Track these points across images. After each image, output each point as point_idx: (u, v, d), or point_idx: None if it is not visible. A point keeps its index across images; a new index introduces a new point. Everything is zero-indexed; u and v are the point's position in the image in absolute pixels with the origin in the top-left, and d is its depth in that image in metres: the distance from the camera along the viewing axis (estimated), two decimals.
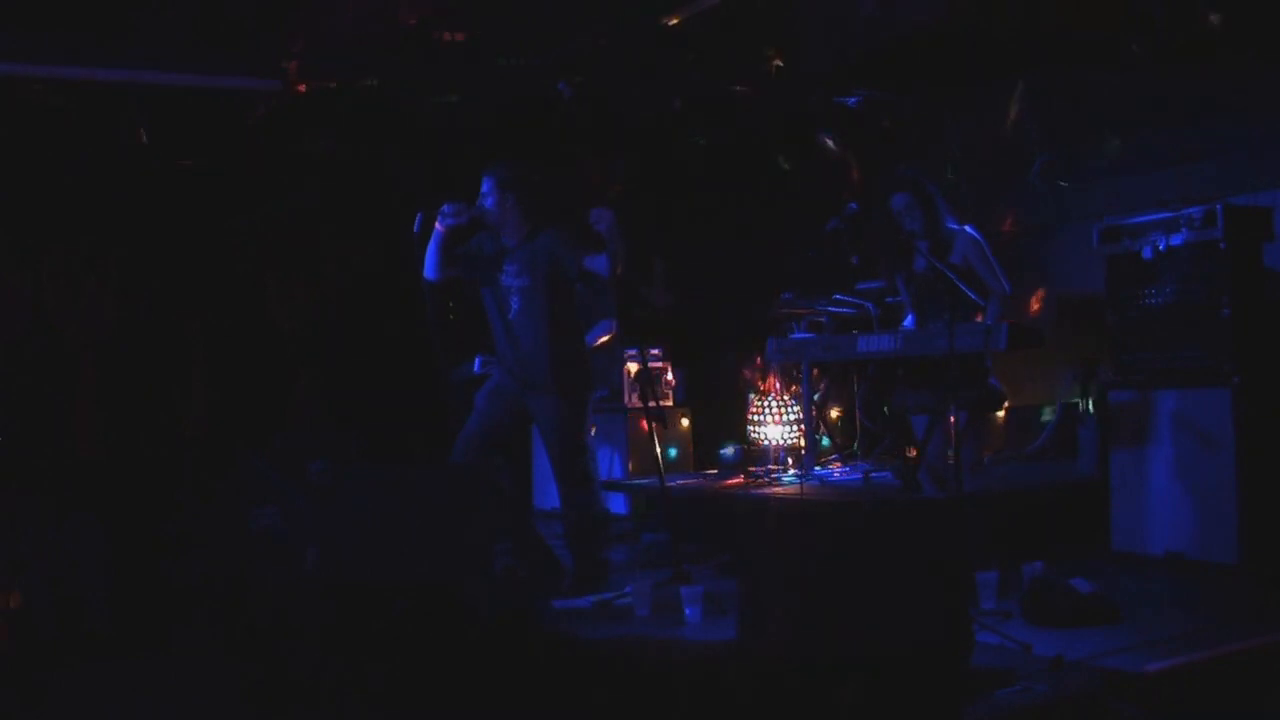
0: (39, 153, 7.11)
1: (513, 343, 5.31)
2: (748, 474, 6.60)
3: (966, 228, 5.61)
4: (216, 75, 6.70)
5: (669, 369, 7.61)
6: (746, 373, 7.39)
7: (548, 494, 6.92)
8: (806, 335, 6.70)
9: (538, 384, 5.27)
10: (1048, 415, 7.10)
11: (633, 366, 7.32)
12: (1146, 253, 5.22)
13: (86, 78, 6.58)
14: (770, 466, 6.61)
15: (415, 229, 5.23)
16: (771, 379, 7.08)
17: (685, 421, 7.67)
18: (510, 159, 5.43)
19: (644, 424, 6.06)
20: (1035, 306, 7.16)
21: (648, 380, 6.27)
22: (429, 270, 5.32)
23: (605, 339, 7.08)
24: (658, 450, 5.65)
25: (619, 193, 8.23)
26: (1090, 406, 6.16)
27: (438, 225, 5.22)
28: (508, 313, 5.30)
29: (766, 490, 6.11)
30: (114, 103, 7.01)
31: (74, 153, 7.19)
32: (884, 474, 6.09)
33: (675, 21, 6.37)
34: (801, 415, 6.57)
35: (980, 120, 7.46)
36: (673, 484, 6.33)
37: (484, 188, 5.28)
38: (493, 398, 5.40)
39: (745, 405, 7.16)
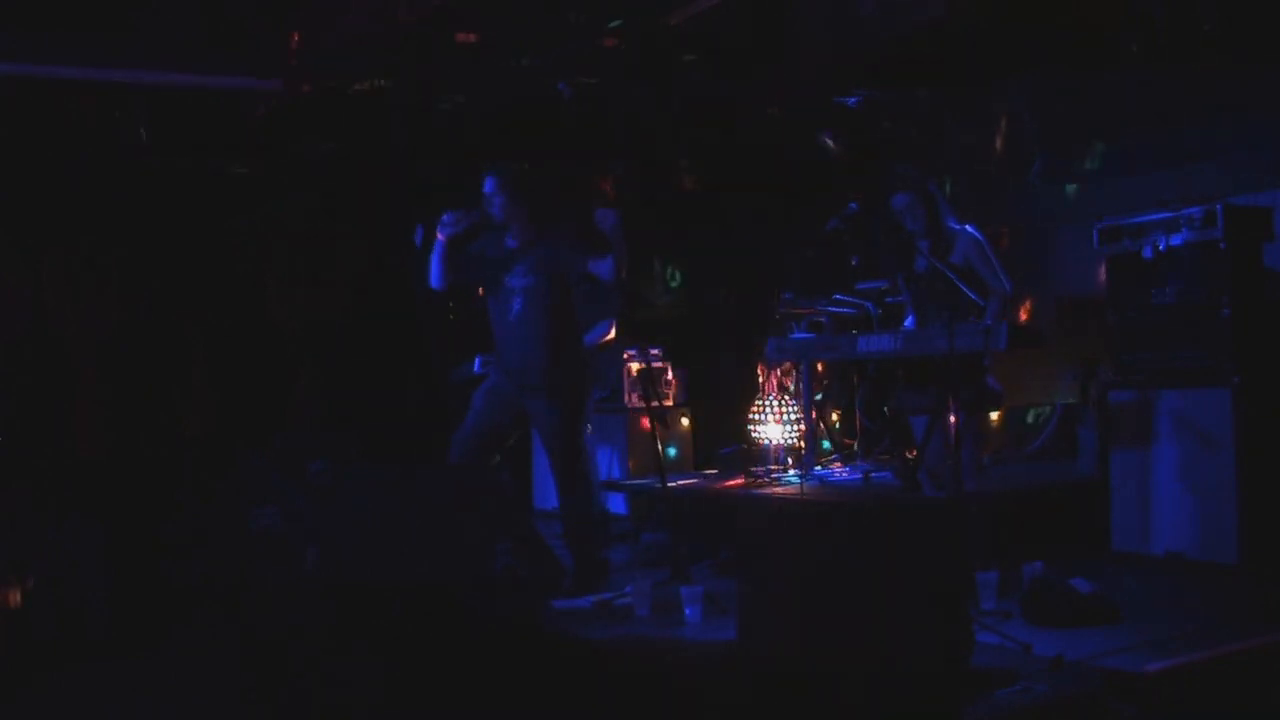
0: (39, 153, 7.11)
1: (514, 344, 5.30)
2: (748, 474, 6.59)
3: (967, 227, 5.61)
4: (216, 75, 6.70)
5: (669, 369, 7.60)
6: (758, 369, 7.38)
7: (548, 494, 6.91)
8: (806, 335, 6.69)
9: (537, 385, 5.27)
10: (1031, 418, 7.09)
11: (634, 366, 7.32)
12: (1146, 253, 5.22)
13: (86, 78, 6.58)
14: (770, 466, 6.60)
15: (417, 243, 5.23)
16: (772, 379, 7.08)
17: (685, 421, 7.67)
18: (514, 159, 5.43)
19: (645, 423, 6.06)
20: (1023, 316, 7.14)
21: (650, 380, 6.26)
22: (434, 280, 5.32)
23: (605, 339, 7.08)
24: (659, 449, 5.65)
25: (619, 193, 8.24)
26: (1090, 406, 6.16)
27: (439, 235, 5.21)
28: (509, 314, 5.30)
29: (766, 490, 6.11)
30: (114, 103, 7.01)
31: (74, 153, 7.19)
32: (884, 474, 6.08)
33: (675, 21, 6.37)
34: (802, 415, 6.57)
35: (980, 120, 7.46)
36: (673, 484, 6.33)
37: (487, 188, 5.27)
38: (489, 397, 5.40)
39: (746, 405, 7.15)
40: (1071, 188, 7.07)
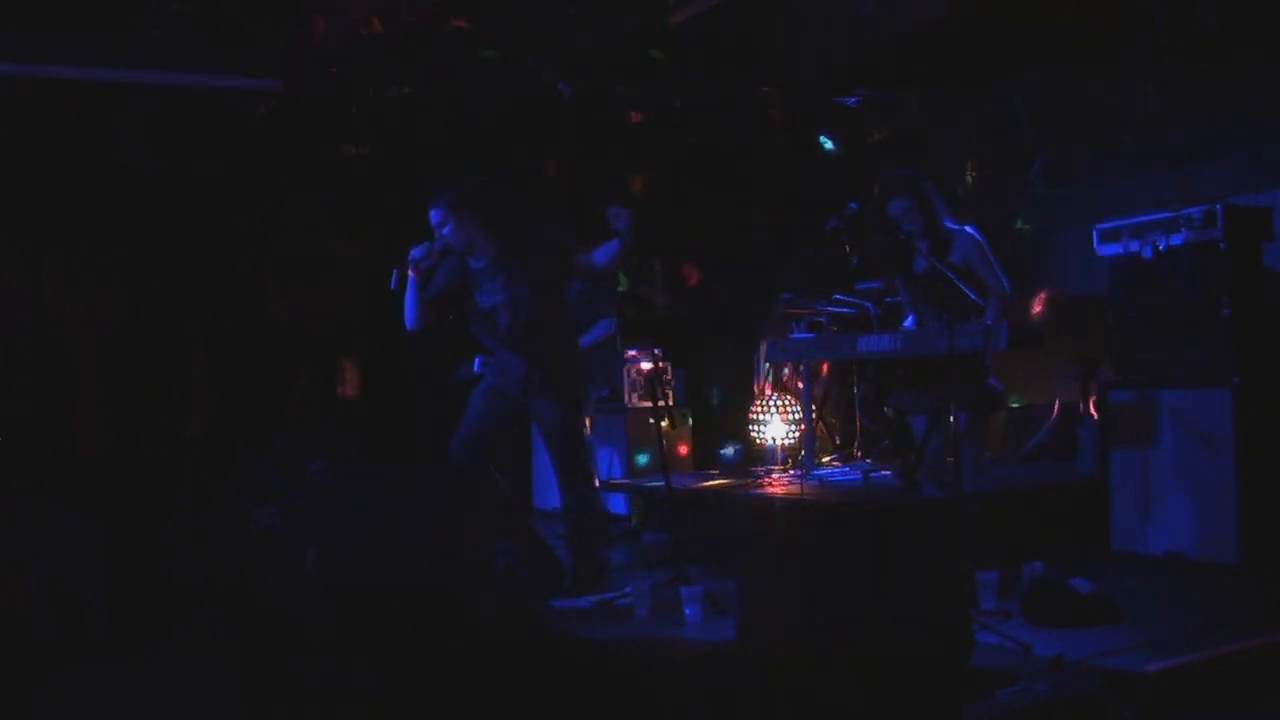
0: (39, 153, 7.11)
1: (509, 356, 5.30)
2: (748, 474, 6.60)
3: (966, 228, 5.61)
4: (216, 75, 6.70)
5: (669, 369, 7.61)
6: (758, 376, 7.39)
7: (548, 494, 6.92)
8: (806, 335, 6.70)
9: (537, 389, 5.26)
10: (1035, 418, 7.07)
11: (645, 365, 7.32)
12: (1146, 253, 5.22)
13: (86, 78, 6.58)
14: (770, 466, 6.61)
15: (393, 285, 5.17)
16: (771, 379, 7.09)
17: (683, 420, 7.67)
18: (451, 182, 5.35)
19: (652, 421, 6.05)
20: (1037, 309, 7.16)
21: (657, 380, 6.25)
22: (409, 321, 5.26)
23: (605, 338, 7.08)
24: (664, 450, 5.64)
25: (620, 192, 8.24)
26: (1090, 406, 6.16)
27: (411, 273, 5.17)
28: (498, 330, 5.28)
29: (766, 490, 6.11)
30: (114, 103, 7.01)
31: (74, 153, 7.19)
32: (884, 474, 6.09)
33: (676, 21, 6.37)
34: (802, 415, 6.57)
35: (980, 120, 7.47)
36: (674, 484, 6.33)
37: (434, 219, 5.17)
38: (487, 397, 5.39)
39: (746, 405, 7.16)
40: (1071, 188, 7.07)
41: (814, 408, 6.61)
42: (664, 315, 8.75)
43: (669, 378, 7.58)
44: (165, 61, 6.53)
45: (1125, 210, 5.48)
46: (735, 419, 7.51)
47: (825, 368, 7.07)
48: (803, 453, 6.48)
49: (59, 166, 7.20)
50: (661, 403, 5.93)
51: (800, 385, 6.59)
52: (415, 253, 5.15)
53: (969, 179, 7.51)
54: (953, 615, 3.59)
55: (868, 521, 3.82)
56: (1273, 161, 6.00)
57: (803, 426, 6.53)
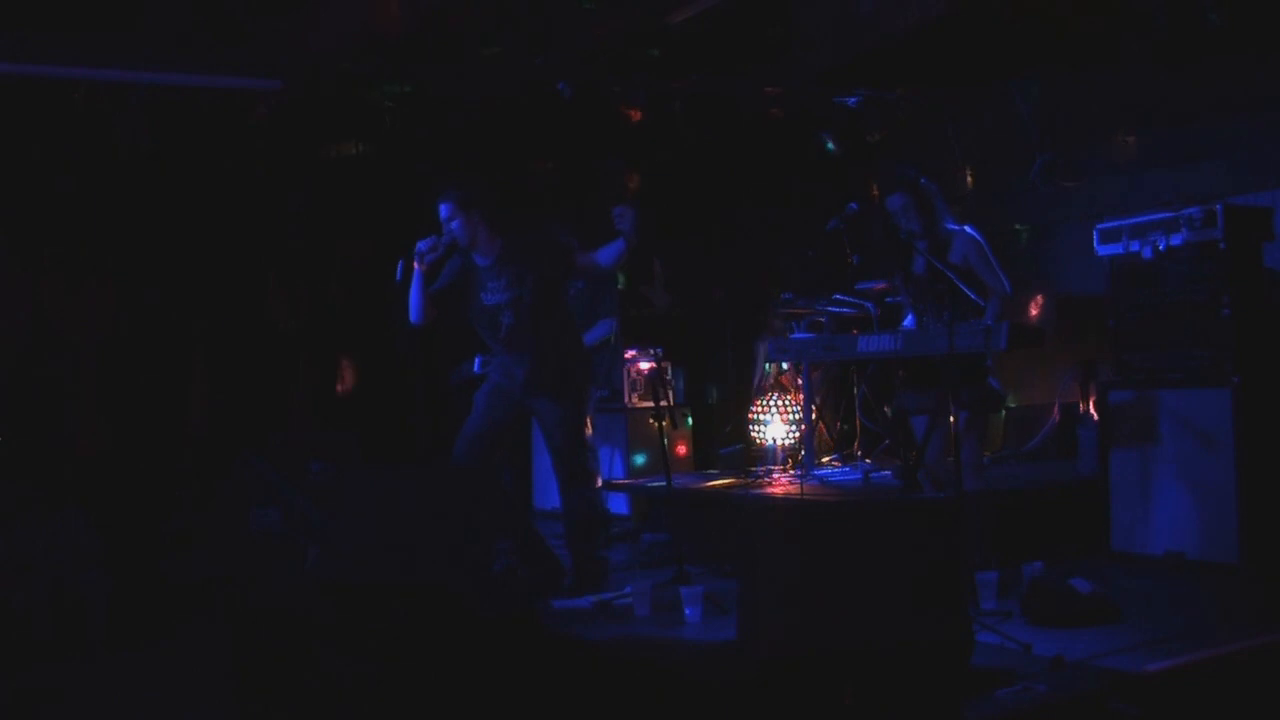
0: (39, 152, 7.11)
1: (511, 354, 5.30)
2: (748, 474, 6.60)
3: (966, 227, 5.60)
4: (216, 75, 6.70)
5: (669, 369, 7.61)
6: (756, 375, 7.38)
7: (548, 494, 6.91)
8: (806, 335, 6.70)
9: (539, 388, 5.27)
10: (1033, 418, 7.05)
11: (643, 366, 7.32)
12: (1146, 253, 5.22)
13: (86, 78, 6.58)
14: (770, 466, 6.61)
15: (397, 278, 5.17)
16: (770, 379, 7.08)
17: (683, 420, 7.66)
18: (461, 179, 5.34)
19: (652, 422, 6.04)
20: (1034, 312, 7.16)
21: (659, 380, 6.25)
22: (413, 315, 5.26)
23: (606, 339, 7.09)
24: (665, 450, 5.65)
25: (622, 192, 8.24)
26: (1090, 406, 6.16)
27: (416, 266, 5.17)
28: (500, 330, 5.28)
29: (766, 490, 6.11)
30: (114, 102, 7.00)
31: (74, 152, 7.18)
32: (884, 474, 6.08)
33: (676, 21, 6.37)
34: (802, 415, 6.57)
35: (980, 120, 7.47)
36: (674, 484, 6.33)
37: (443, 214, 5.19)
38: (491, 398, 5.40)
39: (745, 405, 7.15)
40: (1071, 188, 7.07)
41: (814, 408, 6.61)
42: (664, 315, 8.75)
43: (669, 377, 7.58)
44: (165, 61, 6.52)
45: (1125, 210, 5.48)
46: (735, 419, 7.50)
47: (824, 368, 7.06)
48: (803, 453, 6.47)
49: (59, 166, 7.19)
50: (662, 403, 5.93)
51: (800, 384, 6.59)
52: (421, 245, 5.16)
53: (970, 179, 7.51)
54: (953, 615, 3.59)
55: (868, 521, 3.82)
56: (1273, 161, 6.00)
57: (803, 426, 6.53)
